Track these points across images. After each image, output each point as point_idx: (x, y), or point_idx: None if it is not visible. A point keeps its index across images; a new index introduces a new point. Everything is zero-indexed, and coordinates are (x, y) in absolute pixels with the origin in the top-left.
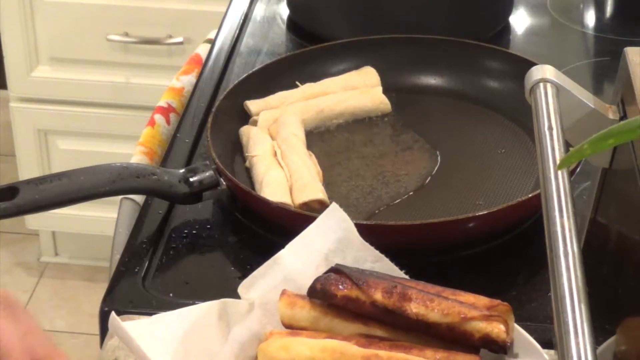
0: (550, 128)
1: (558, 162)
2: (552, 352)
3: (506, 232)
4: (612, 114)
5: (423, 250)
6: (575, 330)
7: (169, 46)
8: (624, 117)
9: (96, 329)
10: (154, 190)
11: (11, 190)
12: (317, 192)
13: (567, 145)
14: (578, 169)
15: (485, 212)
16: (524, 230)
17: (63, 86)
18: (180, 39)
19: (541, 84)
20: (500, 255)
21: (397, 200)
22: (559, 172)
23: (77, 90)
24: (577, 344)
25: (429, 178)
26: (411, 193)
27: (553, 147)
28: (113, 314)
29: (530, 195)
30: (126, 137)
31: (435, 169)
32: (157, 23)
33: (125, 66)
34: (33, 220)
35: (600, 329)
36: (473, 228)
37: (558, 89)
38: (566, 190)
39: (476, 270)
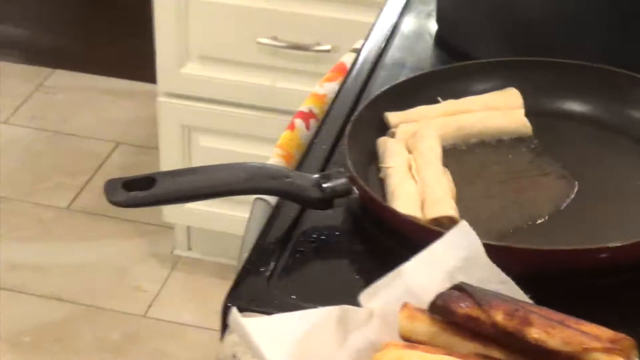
0: None
1: None
2: None
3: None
4: None
5: (551, 277)
6: None
7: (316, 53)
8: None
9: None
10: (287, 193)
11: (149, 180)
12: (449, 208)
13: None
14: None
15: (618, 244)
16: None
17: (210, 84)
18: (328, 47)
19: None
20: (632, 289)
21: (529, 224)
22: None
23: (223, 89)
24: None
25: (564, 205)
26: (545, 218)
27: None
28: (234, 309)
29: None
30: (267, 140)
31: (572, 196)
32: (306, 29)
33: (272, 70)
34: (169, 214)
35: None
36: (604, 259)
37: None
38: None
39: (605, 302)
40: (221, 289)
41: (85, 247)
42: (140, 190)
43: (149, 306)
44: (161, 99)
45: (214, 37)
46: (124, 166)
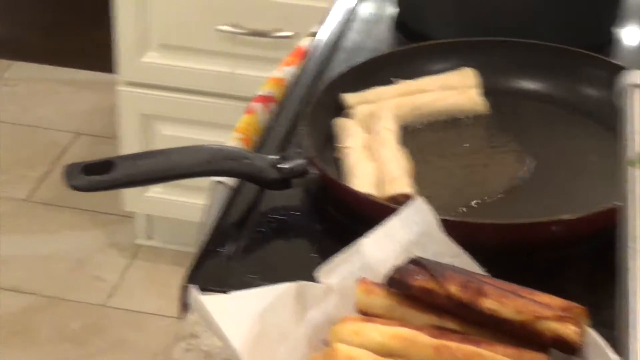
0: (632, 132)
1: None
2: None
3: (592, 238)
4: None
5: (505, 251)
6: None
7: (275, 39)
8: None
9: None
10: (245, 174)
11: (108, 165)
12: (405, 186)
13: None
14: None
15: (570, 217)
16: (611, 238)
17: (170, 73)
18: (287, 33)
19: (631, 89)
20: (584, 261)
21: (485, 200)
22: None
23: (183, 77)
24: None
25: (518, 181)
26: (501, 194)
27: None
28: (193, 287)
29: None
30: (227, 127)
31: (526, 173)
32: (266, 16)
33: (232, 57)
34: (129, 203)
35: None
36: (557, 232)
37: None
38: None
39: (557, 274)
40: (182, 276)
41: (45, 239)
42: (100, 175)
43: (110, 296)
44: (121, 88)
45: (174, 25)
46: (84, 157)
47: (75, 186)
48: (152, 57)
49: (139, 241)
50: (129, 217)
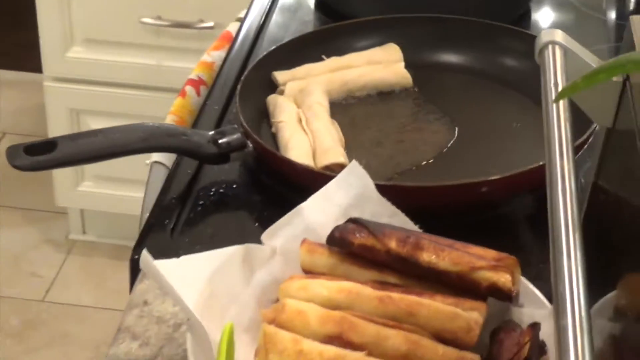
0: (555, 84)
1: (562, 114)
2: None
3: (519, 198)
4: (616, 77)
5: (437, 213)
6: (569, 254)
7: (199, 30)
8: (627, 79)
9: (120, 305)
10: (184, 150)
11: (50, 144)
12: (339, 155)
13: (572, 103)
14: (586, 145)
15: (497, 177)
16: (538, 198)
17: (96, 67)
18: (211, 24)
19: (550, 46)
20: (512, 220)
21: (415, 167)
22: (562, 122)
23: (109, 71)
24: (570, 266)
25: (446, 148)
26: (429, 161)
27: (558, 104)
28: (145, 251)
29: (541, 163)
30: (156, 119)
31: (453, 140)
32: (188, 7)
33: (156, 49)
34: (62, 198)
35: (601, 286)
36: (486, 193)
37: (566, 51)
38: (567, 135)
39: (487, 233)
40: (118, 269)
41: None
42: (42, 154)
43: (47, 291)
44: (48, 83)
45: (97, 19)
46: None
47: (19, 166)
48: (77, 52)
49: (73, 236)
50: (62, 212)
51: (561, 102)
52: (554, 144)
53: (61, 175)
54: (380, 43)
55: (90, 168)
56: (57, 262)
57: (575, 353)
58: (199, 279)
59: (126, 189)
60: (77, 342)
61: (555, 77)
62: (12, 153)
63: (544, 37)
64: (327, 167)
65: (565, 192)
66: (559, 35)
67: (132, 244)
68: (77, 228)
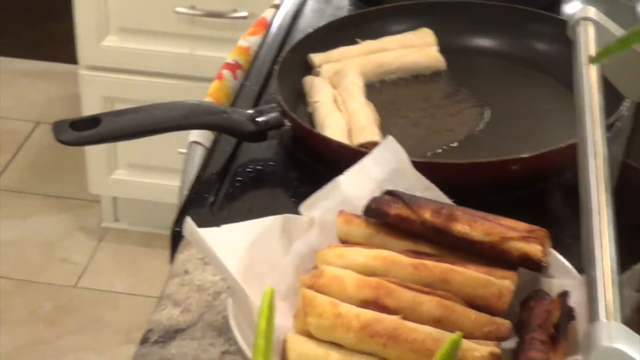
0: (588, 57)
1: (594, 84)
2: None
3: (551, 177)
4: None
5: (470, 190)
6: (599, 211)
7: (233, 20)
8: None
9: (152, 292)
10: (224, 127)
11: (95, 120)
12: (374, 134)
13: (604, 79)
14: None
15: (527, 155)
16: (567, 178)
17: (130, 56)
18: (244, 13)
19: (582, 22)
20: (543, 199)
21: (447, 147)
22: (594, 91)
23: (143, 60)
24: (600, 222)
25: (478, 130)
26: (461, 141)
27: (589, 75)
28: (189, 219)
29: (574, 141)
30: None
31: (484, 122)
32: None
33: (190, 38)
34: (95, 186)
35: (629, 261)
36: (517, 171)
37: (598, 27)
38: (599, 104)
39: (520, 211)
40: (150, 257)
41: (13, 225)
42: (87, 130)
43: (79, 277)
44: (83, 72)
45: (132, 9)
46: (46, 145)
47: (65, 141)
48: (112, 41)
49: (106, 224)
50: (95, 201)
51: (593, 73)
52: (585, 111)
53: (94, 164)
54: (413, 28)
55: (123, 156)
56: (89, 249)
57: (605, 301)
58: (239, 247)
59: (159, 177)
60: (108, 328)
61: (587, 50)
62: (58, 128)
63: (577, 14)
64: (362, 145)
65: (596, 154)
66: (592, 12)
67: (164, 232)
68: (109, 216)
